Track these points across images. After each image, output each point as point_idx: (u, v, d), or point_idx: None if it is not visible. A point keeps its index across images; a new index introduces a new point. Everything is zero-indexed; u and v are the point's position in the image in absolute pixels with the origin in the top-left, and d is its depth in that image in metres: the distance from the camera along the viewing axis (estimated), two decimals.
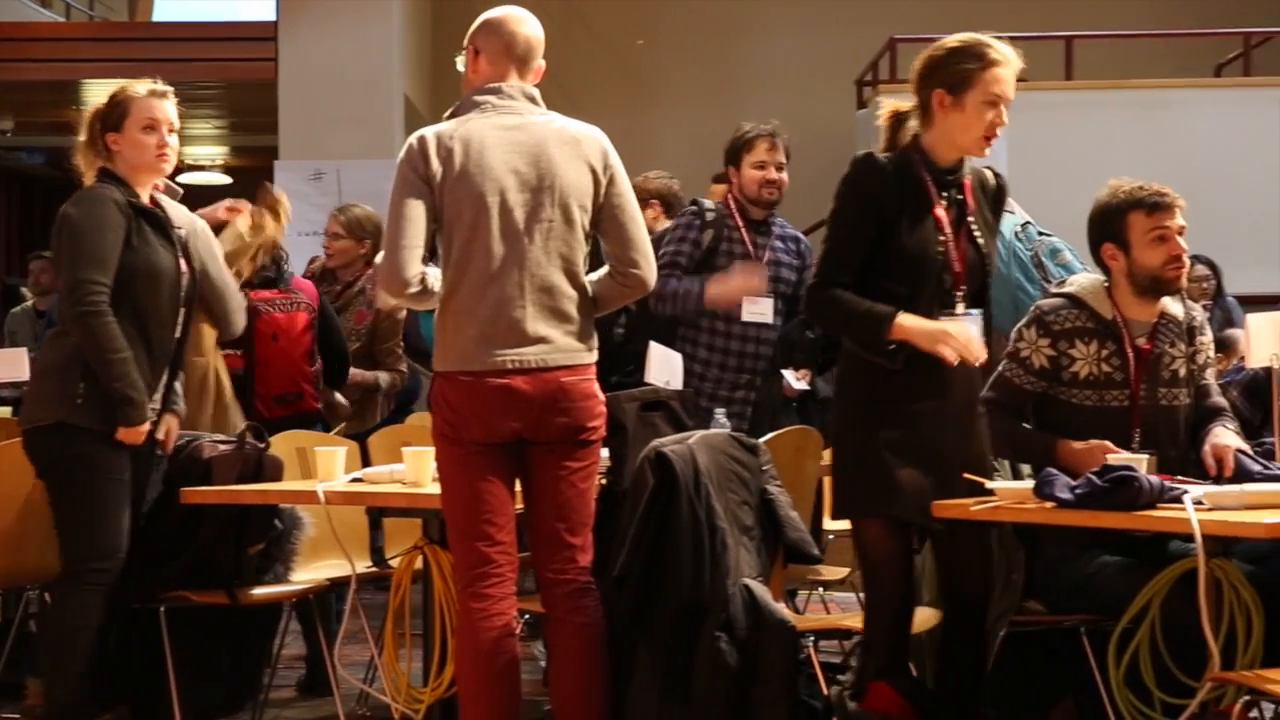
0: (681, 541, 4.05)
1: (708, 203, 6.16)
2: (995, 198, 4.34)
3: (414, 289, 4.02)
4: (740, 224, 6.06)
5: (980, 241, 4.22)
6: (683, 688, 4.02)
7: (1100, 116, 10.82)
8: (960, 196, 4.21)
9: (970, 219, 4.21)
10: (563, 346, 4.07)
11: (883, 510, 4.13)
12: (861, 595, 6.60)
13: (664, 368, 4.98)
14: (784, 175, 6.10)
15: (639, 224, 4.19)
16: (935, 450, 4.12)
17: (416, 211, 4.04)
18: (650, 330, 5.78)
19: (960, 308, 4.13)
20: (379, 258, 4.96)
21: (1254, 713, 3.97)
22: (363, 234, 6.69)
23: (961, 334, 4.05)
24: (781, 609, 4.13)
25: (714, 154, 7.79)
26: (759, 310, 5.98)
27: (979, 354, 4.09)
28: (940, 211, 4.15)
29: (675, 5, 13.84)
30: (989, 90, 4.11)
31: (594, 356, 4.14)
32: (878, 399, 4.13)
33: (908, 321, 4.06)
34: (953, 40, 4.22)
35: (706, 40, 13.86)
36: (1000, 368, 4.43)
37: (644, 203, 7.26)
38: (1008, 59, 4.17)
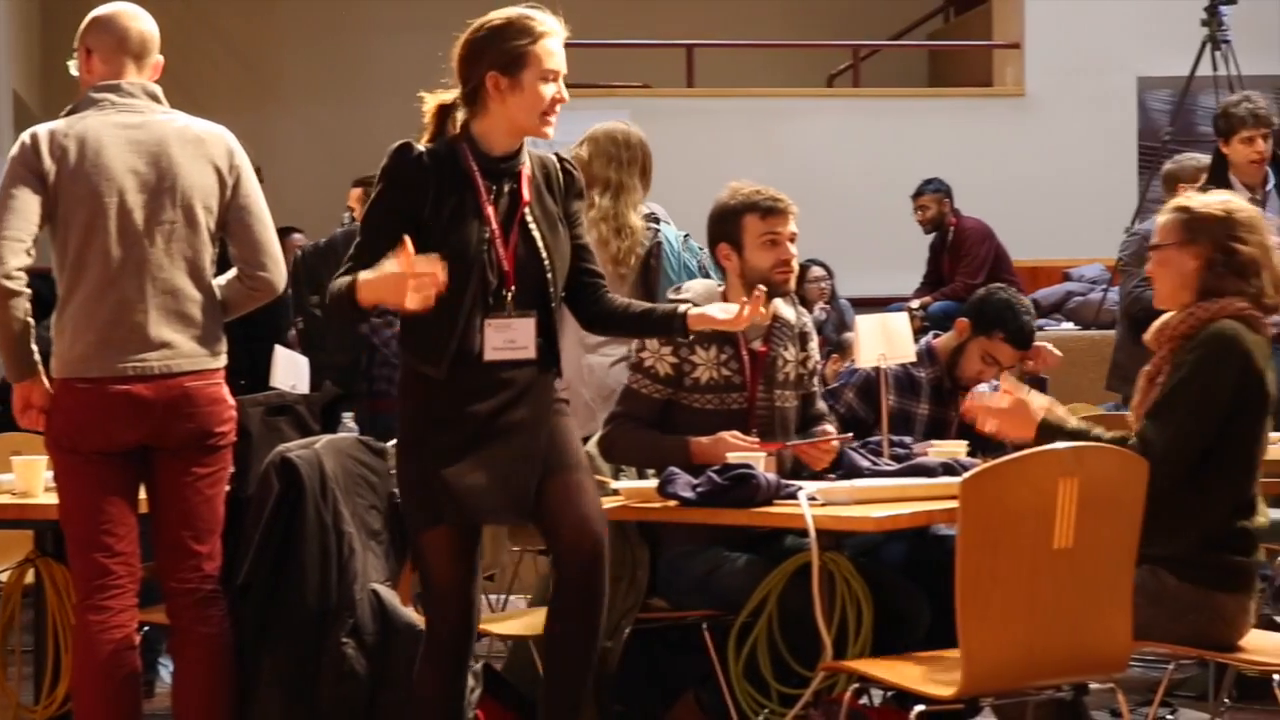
0: (308, 548, 4.01)
1: None
2: (567, 186, 3.94)
3: (11, 283, 3.86)
4: None
5: (536, 236, 3.81)
6: (309, 696, 3.98)
7: (719, 123, 11.12)
8: (514, 187, 3.82)
9: (525, 211, 3.81)
10: (187, 351, 3.97)
11: (445, 519, 3.76)
12: (503, 596, 6.67)
13: (290, 372, 4.92)
14: None
15: (267, 226, 4.12)
16: (497, 451, 3.76)
17: (24, 205, 3.89)
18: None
19: (510, 310, 3.78)
20: None
21: (864, 699, 4.14)
22: None
23: (425, 267, 3.59)
24: (410, 613, 4.12)
25: (342, 155, 7.77)
26: None
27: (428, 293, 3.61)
28: (488, 206, 3.77)
29: (300, 4, 13.65)
30: (544, 65, 3.77)
31: (222, 361, 4.06)
32: (430, 409, 3.78)
33: (366, 275, 3.67)
34: (495, 18, 3.83)
35: (333, 40, 13.73)
36: (626, 380, 4.49)
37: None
38: (555, 29, 3.83)
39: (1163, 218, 3.98)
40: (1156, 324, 3.98)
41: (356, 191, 7.37)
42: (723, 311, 3.86)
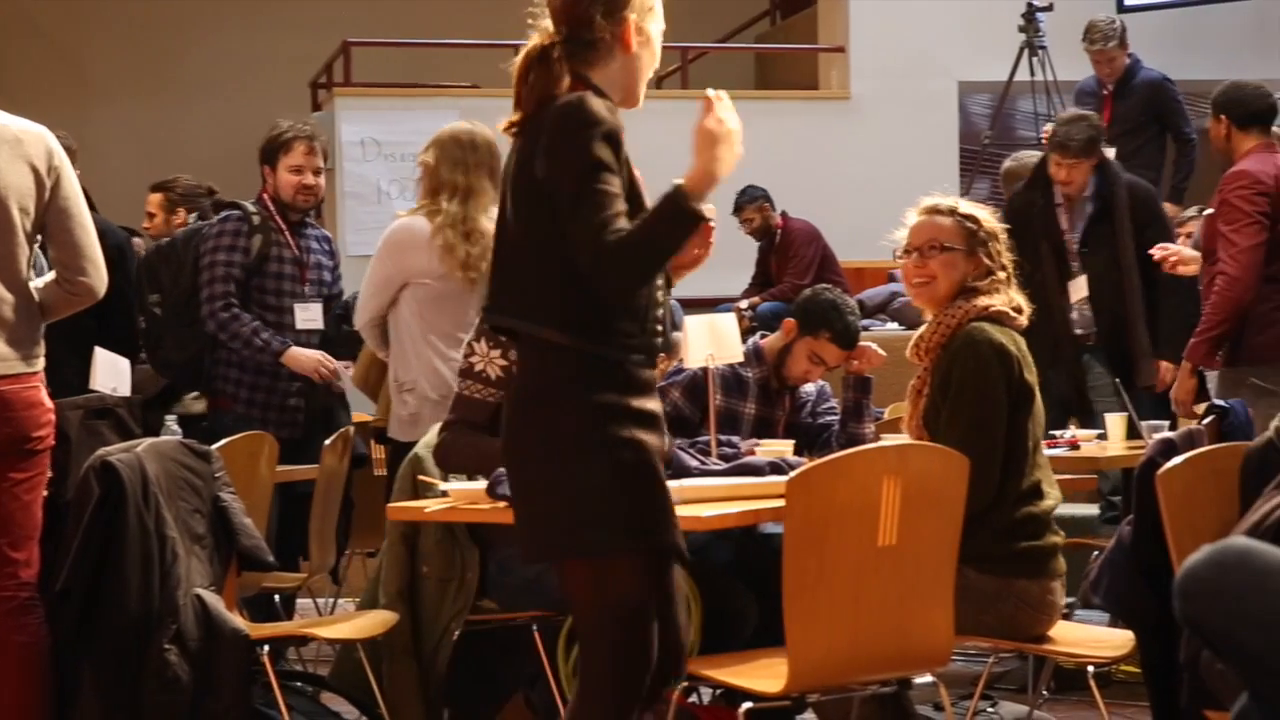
0: (129, 553, 3.94)
1: (250, 205, 5.82)
2: None
3: None
4: (284, 227, 5.80)
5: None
6: (130, 704, 3.91)
7: None
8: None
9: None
10: (2, 355, 3.88)
11: (659, 540, 3.19)
12: (332, 600, 6.60)
13: (110, 374, 4.82)
14: (321, 180, 5.86)
15: (87, 230, 4.04)
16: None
17: None
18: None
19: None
20: None
21: (692, 698, 4.17)
22: None
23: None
24: (235, 618, 4.07)
25: (159, 153, 7.64)
26: (310, 317, 5.82)
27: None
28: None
29: (120, 1, 13.41)
30: (662, 24, 3.32)
31: (39, 364, 3.97)
32: (626, 405, 3.15)
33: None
34: None
35: (153, 37, 13.49)
36: (458, 388, 4.45)
37: (176, 208, 7.00)
38: None
39: (946, 220, 4.04)
40: (913, 339, 4.09)
41: (156, 197, 7.22)
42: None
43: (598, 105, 3.14)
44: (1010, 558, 3.91)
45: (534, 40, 3.23)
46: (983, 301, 3.99)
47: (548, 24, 3.25)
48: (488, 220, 5.20)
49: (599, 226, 3.05)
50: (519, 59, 3.22)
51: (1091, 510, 6.96)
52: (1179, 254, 6.18)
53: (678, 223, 3.11)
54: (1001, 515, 3.92)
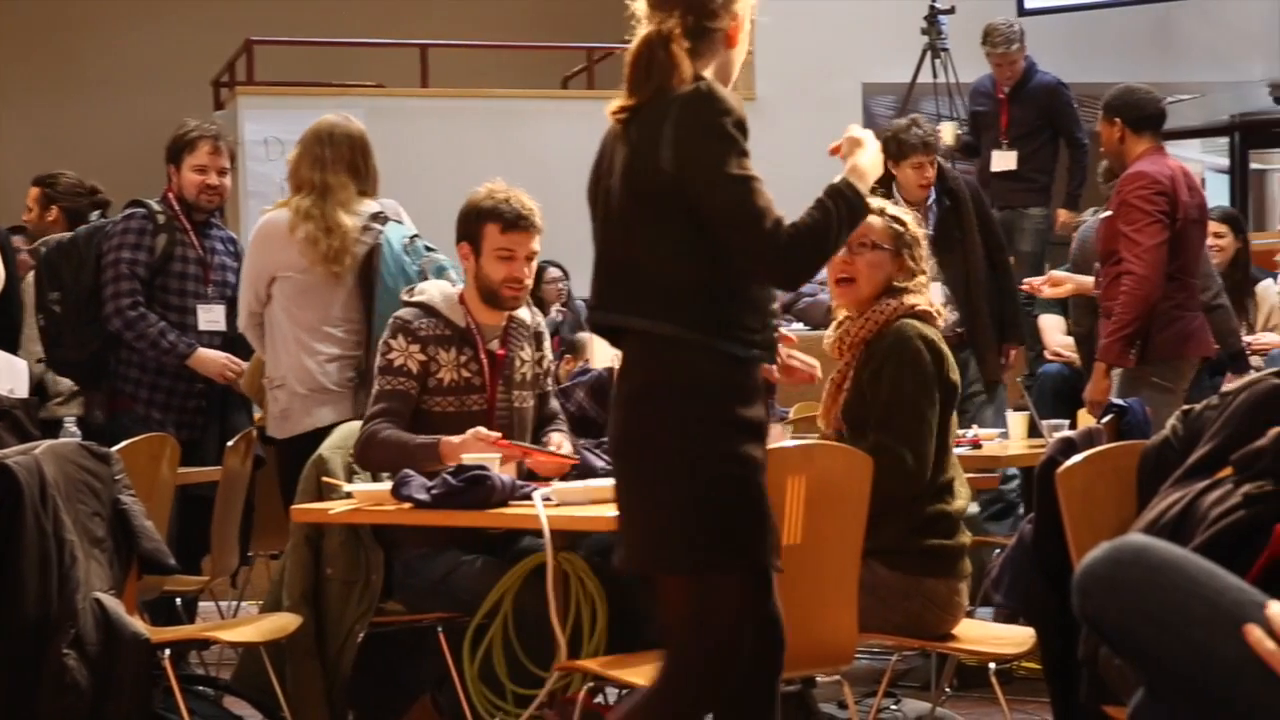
0: (26, 556, 3.87)
1: (154, 204, 5.75)
2: None
3: None
4: (188, 227, 5.74)
5: None
6: (28, 709, 3.84)
7: (455, 124, 11.08)
8: None
9: None
10: None
11: (761, 559, 3.14)
12: (234, 603, 6.54)
13: (7, 375, 4.76)
14: (226, 181, 5.80)
15: None
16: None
17: None
18: None
19: None
20: None
21: (599, 698, 4.17)
22: None
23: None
24: (135, 622, 4.02)
25: (61, 152, 7.53)
26: (213, 318, 5.75)
27: None
28: None
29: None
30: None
31: None
32: (739, 410, 3.08)
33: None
34: None
35: (55, 36, 13.33)
36: (378, 384, 4.41)
37: (50, 204, 6.87)
38: None
39: (877, 219, 4.08)
40: (835, 333, 4.13)
41: (34, 191, 7.11)
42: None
43: (727, 94, 3.07)
44: (920, 554, 3.95)
45: (649, 26, 3.11)
46: (910, 300, 4.07)
47: (652, 13, 3.12)
48: (348, 215, 5.17)
49: (761, 215, 3.00)
50: (636, 44, 3.10)
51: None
52: (1049, 278, 6.42)
53: (854, 212, 3.10)
54: (915, 510, 3.96)
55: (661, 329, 3.04)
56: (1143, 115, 5.89)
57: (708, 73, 3.11)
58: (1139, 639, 2.20)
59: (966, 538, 4.08)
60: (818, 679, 4.03)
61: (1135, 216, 5.69)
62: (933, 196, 6.72)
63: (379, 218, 5.23)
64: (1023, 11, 10.61)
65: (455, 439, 4.22)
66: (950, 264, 6.60)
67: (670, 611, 3.10)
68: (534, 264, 4.48)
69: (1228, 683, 2.13)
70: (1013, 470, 6.34)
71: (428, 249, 5.25)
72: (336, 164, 5.18)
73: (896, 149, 6.55)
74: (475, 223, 4.42)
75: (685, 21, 3.09)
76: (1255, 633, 2.12)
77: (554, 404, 4.69)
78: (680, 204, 3.03)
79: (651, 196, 3.06)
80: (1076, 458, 3.18)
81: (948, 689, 4.80)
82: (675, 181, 3.03)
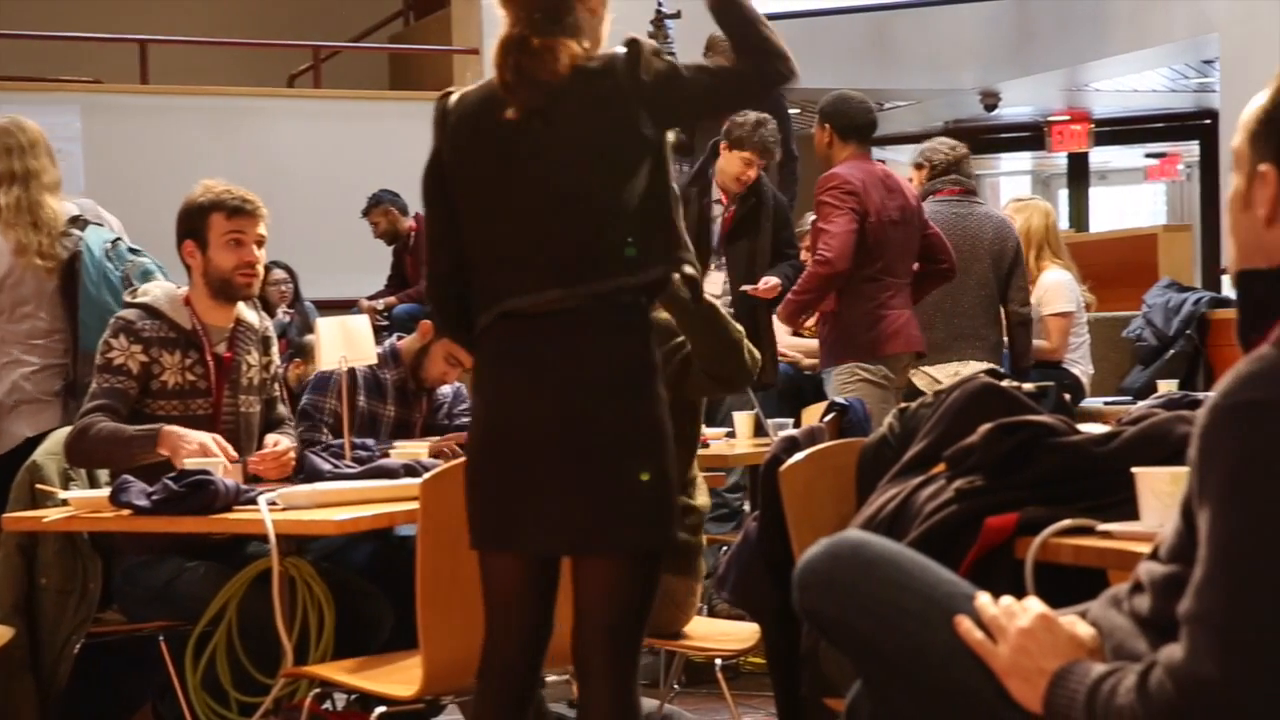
0: None
1: None
2: None
3: None
4: None
5: None
6: None
7: (177, 121, 10.84)
8: None
9: None
10: None
11: None
12: None
13: None
14: None
15: None
16: None
17: None
18: None
19: None
20: None
21: (326, 704, 4.12)
22: None
23: None
24: None
25: None
26: None
27: None
28: None
29: None
30: None
31: None
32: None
33: None
34: None
35: None
36: (96, 383, 4.29)
37: None
38: None
39: None
40: None
41: None
42: None
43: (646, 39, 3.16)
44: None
45: (510, 28, 3.25)
46: None
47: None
48: (56, 201, 5.04)
49: (723, 72, 3.10)
50: (499, 46, 3.27)
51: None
52: (765, 282, 6.70)
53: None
54: None
55: (658, 272, 3.04)
56: (851, 124, 6.19)
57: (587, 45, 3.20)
58: (856, 631, 2.27)
59: (703, 538, 4.13)
60: (548, 678, 4.04)
61: (825, 211, 6.04)
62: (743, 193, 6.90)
63: (78, 222, 5.08)
64: None
65: (180, 429, 4.13)
66: (735, 257, 6.84)
67: (621, 593, 3.03)
68: (263, 252, 4.41)
69: (940, 672, 2.21)
70: (734, 479, 6.47)
71: (132, 251, 5.12)
72: (34, 147, 5.03)
73: (738, 138, 6.78)
74: (198, 217, 4.34)
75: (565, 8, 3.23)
76: (965, 623, 2.20)
77: (282, 409, 4.63)
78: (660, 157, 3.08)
79: (636, 163, 3.07)
80: (798, 456, 3.25)
81: (676, 685, 4.87)
82: (654, 138, 3.07)
